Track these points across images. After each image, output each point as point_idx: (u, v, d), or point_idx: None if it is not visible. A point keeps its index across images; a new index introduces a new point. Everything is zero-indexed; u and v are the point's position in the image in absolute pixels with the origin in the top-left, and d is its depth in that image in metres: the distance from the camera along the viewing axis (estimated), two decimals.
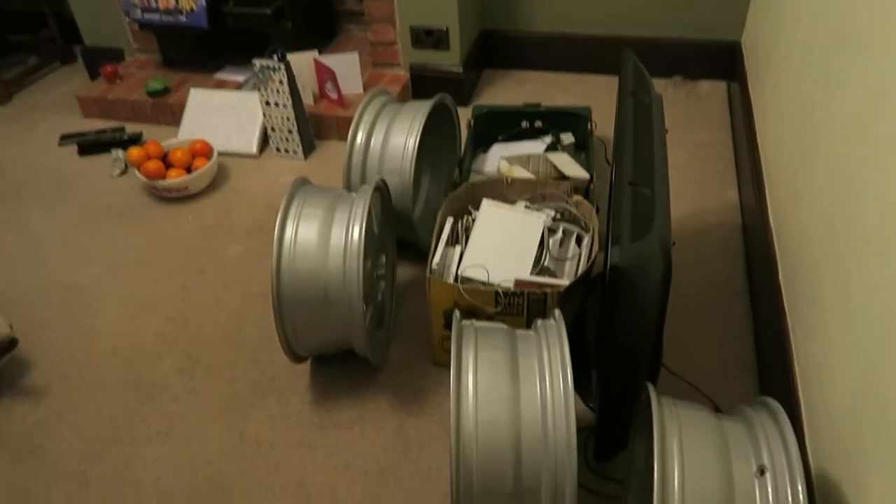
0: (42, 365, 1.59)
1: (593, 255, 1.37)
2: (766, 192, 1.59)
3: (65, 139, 2.32)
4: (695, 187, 1.90)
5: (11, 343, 1.51)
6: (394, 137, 1.61)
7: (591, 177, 1.69)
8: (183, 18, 2.23)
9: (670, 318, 1.51)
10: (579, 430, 1.33)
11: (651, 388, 0.99)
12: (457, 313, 1.14)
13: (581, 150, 1.96)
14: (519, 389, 1.02)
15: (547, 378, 1.02)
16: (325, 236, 1.33)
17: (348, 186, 1.61)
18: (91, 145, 2.26)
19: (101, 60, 2.54)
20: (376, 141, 1.61)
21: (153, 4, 2.23)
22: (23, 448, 1.41)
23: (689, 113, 2.20)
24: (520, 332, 1.13)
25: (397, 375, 1.50)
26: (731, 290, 1.59)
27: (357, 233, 1.31)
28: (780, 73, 1.64)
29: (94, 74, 2.55)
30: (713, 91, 2.30)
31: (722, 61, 2.28)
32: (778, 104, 1.63)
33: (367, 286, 1.44)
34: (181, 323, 1.66)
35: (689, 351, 1.47)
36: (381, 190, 1.52)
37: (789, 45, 1.60)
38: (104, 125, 2.39)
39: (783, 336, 1.27)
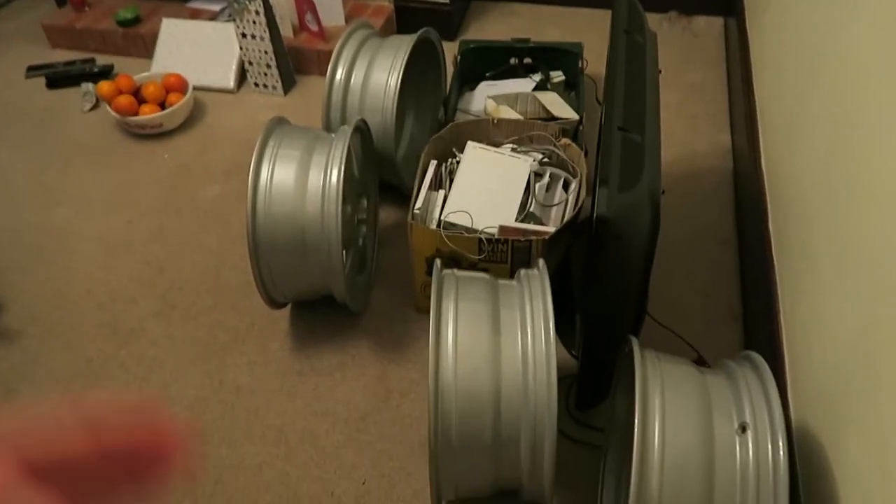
0: (14, 307, 1.55)
1: (580, 201, 1.33)
2: (760, 135, 1.54)
3: (32, 71, 2.21)
4: (686, 130, 1.84)
5: None
6: (375, 74, 1.53)
7: (581, 118, 1.63)
8: None
9: (656, 265, 1.48)
10: (562, 377, 1.32)
11: (634, 341, 0.97)
12: (438, 263, 1.10)
13: (571, 88, 1.89)
14: (500, 341, 0.99)
15: (529, 330, 0.99)
16: (302, 179, 1.28)
17: (328, 126, 1.55)
18: (60, 78, 2.16)
19: None
20: (357, 78, 1.54)
21: None
22: None
23: (683, 51, 2.12)
24: (502, 282, 1.09)
25: (379, 321, 1.47)
26: (719, 237, 1.57)
27: (336, 176, 1.25)
28: (780, 8, 1.57)
29: (62, 1, 2.41)
30: (709, 27, 2.21)
31: None
32: (776, 42, 1.56)
33: (347, 231, 1.39)
34: (157, 266, 1.62)
35: (674, 298, 1.45)
36: (362, 130, 1.46)
37: None
38: (73, 56, 2.28)
39: (770, 286, 1.25)
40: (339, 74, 1.54)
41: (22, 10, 2.58)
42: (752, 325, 1.33)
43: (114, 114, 1.91)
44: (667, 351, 1.31)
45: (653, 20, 2.24)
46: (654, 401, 0.87)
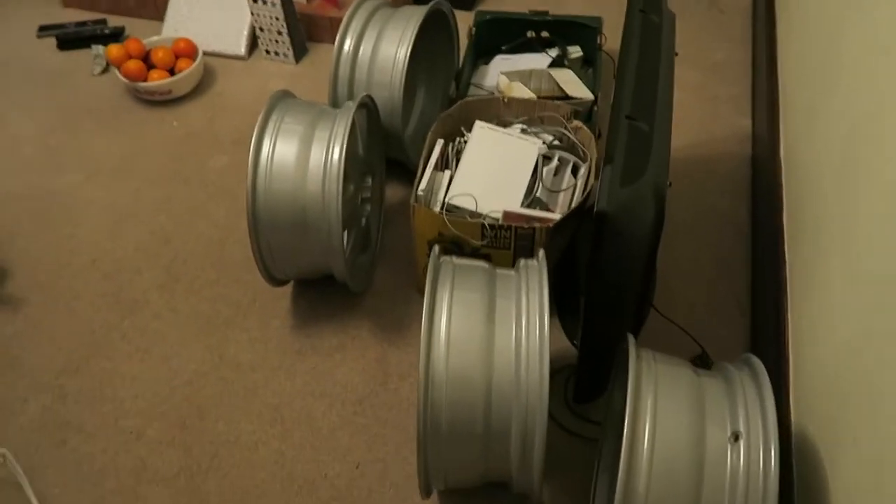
0: (19, 274, 1.56)
1: (588, 187, 1.29)
2: (781, 121, 1.48)
3: (43, 30, 2.19)
4: (705, 112, 1.78)
5: None
6: (384, 47, 1.49)
7: (596, 98, 1.59)
8: None
9: (665, 252, 1.46)
10: (563, 367, 1.31)
11: (631, 340, 0.94)
12: (435, 249, 1.08)
13: (589, 65, 1.83)
14: (494, 332, 0.97)
15: (524, 323, 0.97)
16: (304, 156, 1.25)
17: (334, 100, 1.52)
18: (71, 39, 2.13)
19: None
20: (365, 51, 1.50)
21: None
22: (0, 359, 1.40)
23: (708, 27, 2.04)
24: (500, 271, 1.07)
25: (381, 301, 1.46)
26: (732, 226, 1.52)
27: (337, 154, 1.23)
28: None
29: None
30: (737, 3, 2.12)
31: None
32: (803, 22, 1.49)
33: (349, 210, 1.37)
34: (163, 237, 1.61)
35: (682, 288, 1.42)
36: (368, 107, 1.43)
37: None
38: (85, 16, 2.25)
39: (780, 281, 1.22)
40: (347, 47, 1.50)
41: None
42: (760, 322, 1.30)
43: (123, 79, 1.89)
44: (671, 344, 1.29)
45: None
46: (646, 402, 0.85)
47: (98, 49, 2.06)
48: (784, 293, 1.19)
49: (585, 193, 1.28)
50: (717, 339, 1.32)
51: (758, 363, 0.90)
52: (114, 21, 2.23)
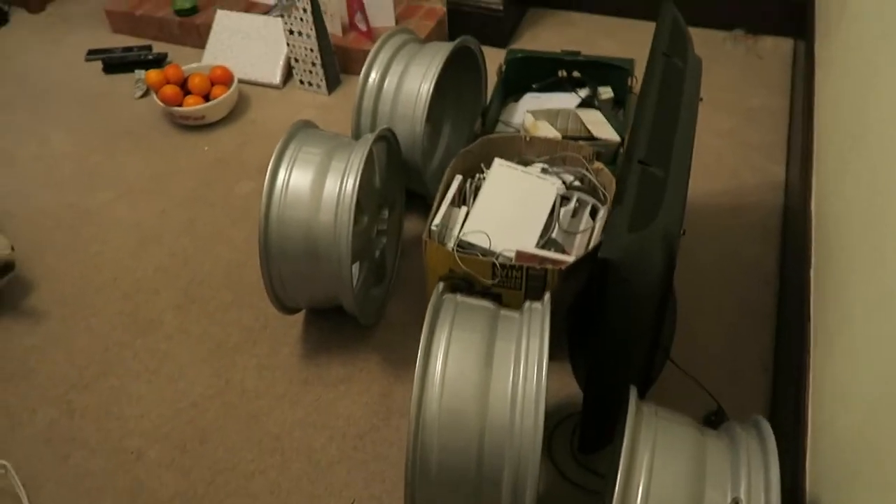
0: (44, 287, 1.59)
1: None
2: (814, 172, 1.43)
3: (91, 55, 2.27)
4: (738, 158, 1.74)
5: (6, 267, 1.51)
6: (408, 81, 1.50)
7: (622, 140, 1.56)
8: None
9: (689, 299, 1.41)
10: (571, 414, 1.27)
11: (633, 392, 0.90)
12: (439, 286, 1.06)
13: (619, 106, 1.81)
14: (491, 376, 0.95)
15: (521, 367, 0.94)
16: (318, 185, 1.26)
17: (357, 132, 1.52)
18: (116, 63, 2.21)
19: None
20: (390, 84, 1.51)
21: None
22: (17, 369, 1.43)
23: (745, 72, 2.00)
24: (504, 312, 1.05)
25: (393, 334, 1.44)
26: (759, 277, 1.47)
27: (351, 185, 1.23)
28: (848, 33, 1.45)
29: None
30: (777, 49, 2.08)
31: (791, 15, 2.06)
32: (839, 70, 1.45)
33: (361, 242, 1.37)
34: (183, 259, 1.63)
35: (704, 337, 1.37)
36: (388, 139, 1.43)
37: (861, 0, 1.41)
38: (132, 42, 2.33)
39: (804, 338, 1.16)
40: (372, 79, 1.51)
41: None
42: (782, 380, 1.24)
43: (160, 103, 1.95)
44: (687, 396, 1.24)
45: (715, 38, 2.13)
46: (641, 458, 0.81)
47: (140, 74, 2.12)
48: (807, 352, 1.13)
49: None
50: (736, 394, 1.26)
51: (766, 427, 0.85)
52: (159, 47, 2.30)
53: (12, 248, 1.54)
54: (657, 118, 1.05)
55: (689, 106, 1.11)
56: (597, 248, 1.23)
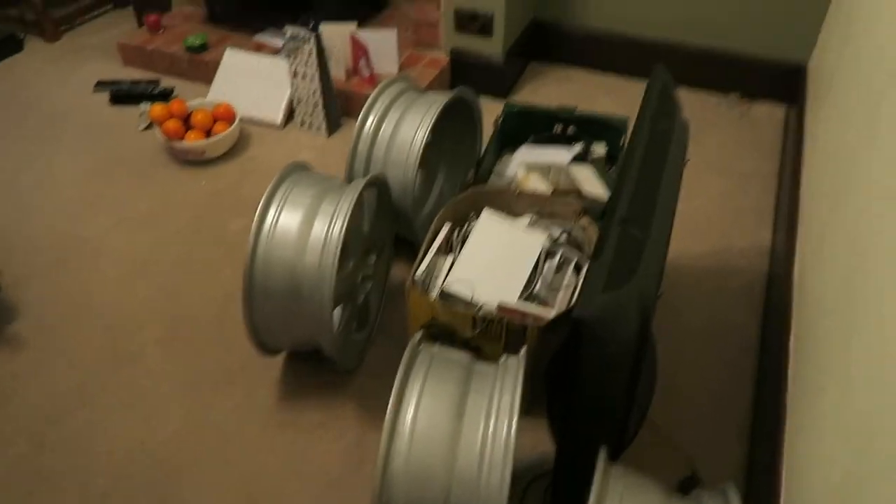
0: (29, 314, 1.59)
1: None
2: (798, 239, 1.44)
3: (100, 86, 2.32)
4: (727, 222, 1.75)
5: None
6: (404, 128, 1.52)
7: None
8: None
9: (671, 359, 1.40)
10: (543, 474, 1.25)
11: (603, 454, 0.89)
12: (415, 336, 1.06)
13: (613, 163, 1.83)
14: (461, 430, 0.94)
15: (492, 423, 0.93)
16: (306, 227, 1.26)
17: (350, 176, 1.54)
18: (123, 95, 2.25)
19: (149, 7, 2.52)
20: (386, 130, 1.53)
21: None
22: None
23: (739, 136, 2.03)
24: (479, 366, 1.04)
25: (371, 381, 1.43)
26: (741, 342, 1.46)
27: (338, 229, 1.23)
28: (835, 103, 1.48)
29: (142, 21, 2.54)
30: (770, 115, 2.11)
31: (785, 83, 2.09)
32: (824, 139, 1.47)
33: (345, 286, 1.37)
34: (170, 292, 1.64)
35: (684, 400, 1.35)
36: (379, 185, 1.44)
37: (848, 74, 1.43)
38: (142, 75, 2.38)
39: (780, 409, 1.15)
40: (369, 125, 1.53)
41: (106, 26, 2.72)
42: (757, 448, 1.22)
43: (162, 136, 1.97)
44: (663, 460, 1.22)
45: (711, 101, 2.17)
46: None
47: (145, 106, 2.16)
48: (782, 422, 1.12)
49: None
50: (713, 458, 1.24)
51: (734, 497, 0.83)
52: (168, 81, 2.35)
53: (0, 273, 1.55)
54: (640, 179, 1.06)
55: (673, 169, 1.13)
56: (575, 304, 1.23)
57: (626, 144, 1.77)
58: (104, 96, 2.29)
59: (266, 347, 1.36)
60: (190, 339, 1.53)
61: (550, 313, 1.21)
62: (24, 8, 2.58)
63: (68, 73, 2.44)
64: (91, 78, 2.39)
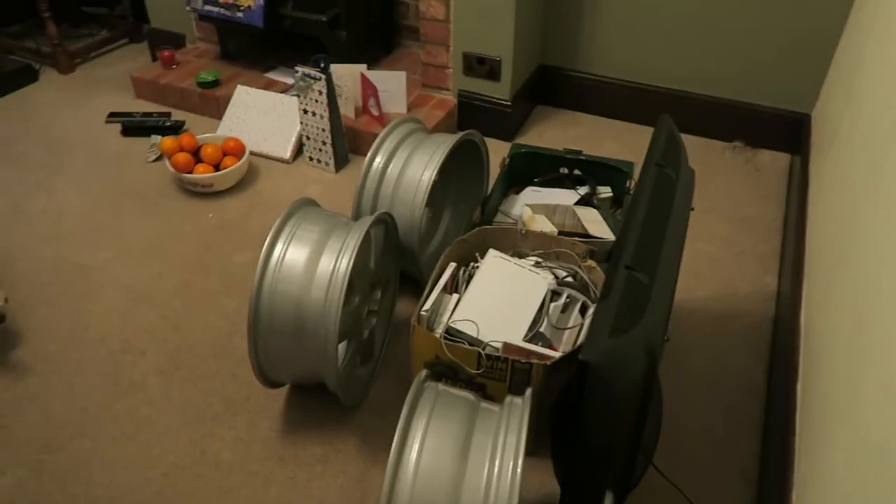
0: (32, 341, 1.59)
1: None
2: (804, 284, 1.45)
3: (112, 117, 2.35)
4: (731, 266, 1.76)
5: None
6: (412, 168, 1.54)
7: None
8: (240, 15, 2.23)
9: (675, 404, 1.40)
10: None
11: (609, 499, 0.89)
12: (421, 374, 1.06)
13: (618, 206, 1.85)
14: (465, 470, 0.93)
15: (497, 464, 0.93)
16: (313, 262, 1.27)
17: (357, 213, 1.56)
18: (134, 127, 2.28)
19: (163, 43, 2.58)
20: (393, 168, 1.55)
21: None
22: None
23: (743, 183, 2.05)
24: (485, 405, 1.04)
25: (374, 417, 1.42)
26: (747, 387, 1.46)
27: (344, 265, 1.24)
28: (839, 154, 1.50)
29: (156, 56, 2.59)
30: (774, 163, 2.14)
31: (789, 133, 2.13)
32: (830, 187, 1.49)
33: (350, 321, 1.37)
34: (173, 322, 1.64)
35: (689, 444, 1.35)
36: (386, 223, 1.46)
37: (852, 125, 1.46)
38: (153, 108, 2.41)
39: (787, 455, 1.14)
40: (377, 163, 1.55)
41: (120, 59, 2.77)
42: (766, 494, 1.21)
43: (171, 168, 2.00)
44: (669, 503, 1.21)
45: (715, 148, 2.20)
46: None
47: (156, 138, 2.19)
48: (790, 468, 1.11)
49: None
50: (718, 503, 1.23)
51: None
52: (178, 115, 2.38)
53: (6, 300, 1.55)
54: (646, 225, 1.08)
55: (679, 216, 1.14)
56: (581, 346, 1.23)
57: (631, 188, 1.79)
58: (115, 127, 2.33)
59: (269, 380, 1.36)
60: (192, 369, 1.52)
61: (556, 354, 1.22)
62: (41, 40, 2.63)
63: (81, 103, 2.48)
64: (103, 109, 2.42)
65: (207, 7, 2.27)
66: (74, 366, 1.53)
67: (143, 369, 1.52)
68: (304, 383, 1.42)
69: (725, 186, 2.03)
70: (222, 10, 2.25)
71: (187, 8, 2.36)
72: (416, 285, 1.65)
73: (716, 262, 1.77)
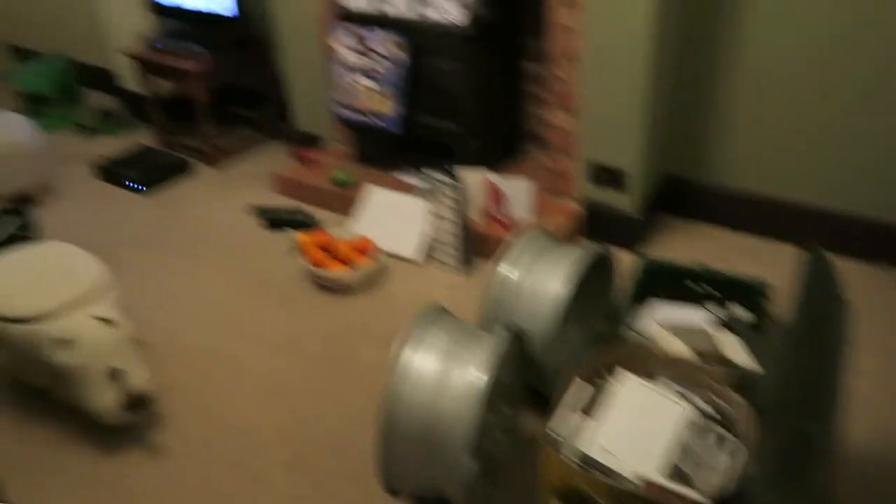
0: (174, 424, 1.67)
1: (741, 471, 1.19)
2: None
3: (257, 211, 2.51)
4: (885, 403, 1.62)
5: (145, 401, 1.59)
6: (544, 280, 1.55)
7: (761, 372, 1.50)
8: (379, 121, 2.37)
9: None
10: None
11: None
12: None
13: (756, 331, 1.76)
14: None
15: None
16: (446, 374, 1.28)
17: (485, 319, 1.57)
18: (272, 220, 2.43)
19: (303, 143, 2.76)
20: (523, 279, 1.56)
21: (354, 104, 2.40)
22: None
23: (891, 309, 1.92)
24: None
25: None
26: None
27: (485, 379, 1.24)
28: None
29: (297, 155, 2.77)
30: None
31: None
32: None
33: (482, 438, 1.36)
34: (301, 417, 1.68)
35: None
36: (521, 338, 1.46)
37: None
38: (287, 202, 2.57)
39: None
40: (506, 273, 1.57)
41: (263, 156, 2.98)
42: None
43: (306, 263, 2.10)
44: None
45: (857, 270, 2.07)
46: None
47: (292, 233, 2.32)
48: None
49: (739, 478, 1.17)
50: None
51: None
52: (312, 210, 2.52)
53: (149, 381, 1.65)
54: (800, 365, 1.02)
55: (837, 352, 1.08)
56: (738, 492, 1.16)
57: (768, 311, 1.71)
58: (255, 219, 2.49)
59: (392, 488, 1.36)
60: (315, 465, 1.55)
61: (702, 500, 1.14)
62: (201, 139, 2.89)
63: (224, 195, 2.68)
64: (244, 201, 2.60)
65: (348, 113, 2.43)
66: (208, 452, 1.60)
67: (270, 461, 1.57)
68: (426, 495, 1.40)
69: (870, 315, 1.90)
70: (363, 117, 2.40)
71: (332, 111, 2.53)
72: (536, 397, 1.62)
73: (866, 398, 1.64)
